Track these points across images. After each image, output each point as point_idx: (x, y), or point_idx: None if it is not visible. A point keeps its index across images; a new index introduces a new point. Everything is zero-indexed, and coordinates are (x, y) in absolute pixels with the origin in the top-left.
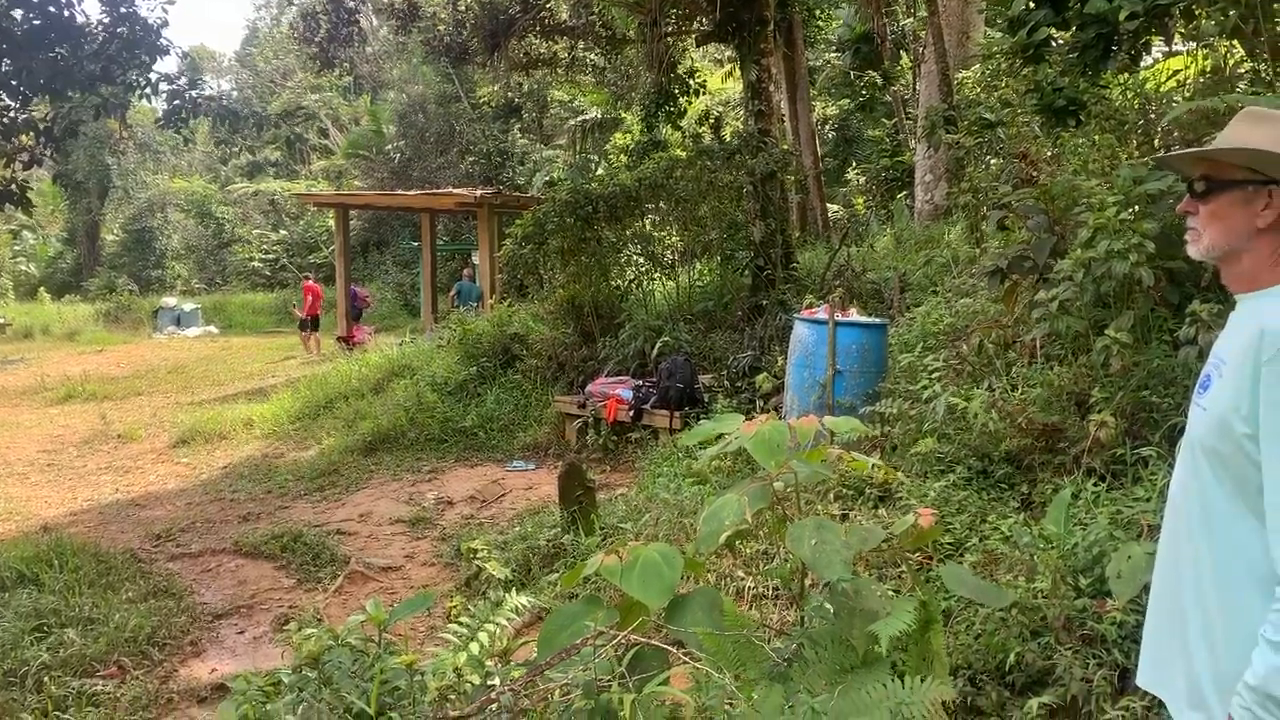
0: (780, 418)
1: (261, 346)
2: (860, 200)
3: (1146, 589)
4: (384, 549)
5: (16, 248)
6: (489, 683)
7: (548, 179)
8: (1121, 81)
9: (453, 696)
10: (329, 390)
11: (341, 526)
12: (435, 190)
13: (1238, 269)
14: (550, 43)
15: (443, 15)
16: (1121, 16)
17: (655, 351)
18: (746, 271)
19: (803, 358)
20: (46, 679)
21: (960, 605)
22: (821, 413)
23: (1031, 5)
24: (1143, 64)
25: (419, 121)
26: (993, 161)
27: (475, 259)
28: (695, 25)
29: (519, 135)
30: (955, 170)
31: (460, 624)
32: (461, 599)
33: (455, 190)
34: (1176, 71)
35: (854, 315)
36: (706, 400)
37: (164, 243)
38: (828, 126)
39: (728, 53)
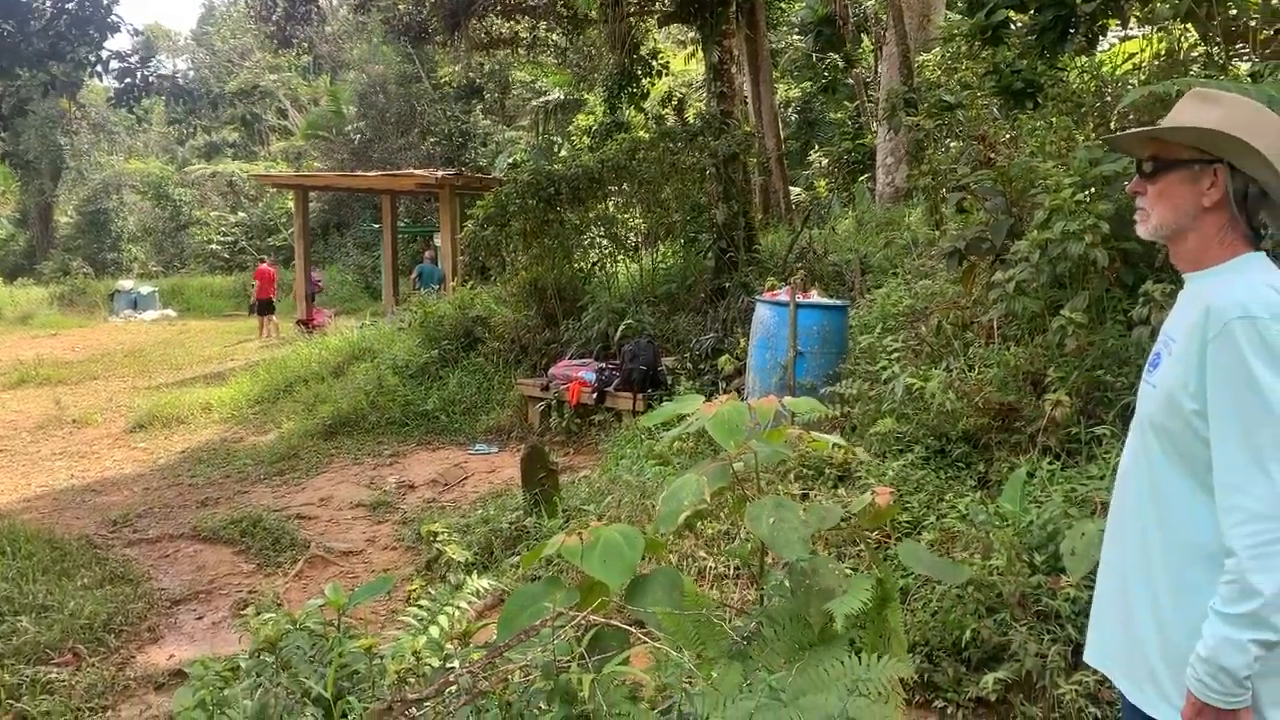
0: (742, 399)
1: (220, 330)
2: (822, 183)
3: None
4: (344, 533)
5: None
6: (448, 665)
7: (510, 161)
8: (1078, 64)
9: (411, 680)
10: (288, 374)
11: (301, 511)
12: (396, 171)
13: (1185, 248)
14: (511, 22)
15: None
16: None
17: (618, 334)
18: (709, 254)
19: (764, 339)
20: None
21: (918, 583)
22: (783, 393)
23: None
24: (1100, 47)
25: (379, 102)
26: (952, 144)
27: (437, 241)
28: (657, 6)
29: (481, 116)
30: (916, 153)
31: (420, 607)
32: (422, 582)
33: (416, 171)
34: (1132, 55)
35: (815, 297)
36: (669, 382)
37: (120, 225)
38: (790, 109)
39: (690, 34)
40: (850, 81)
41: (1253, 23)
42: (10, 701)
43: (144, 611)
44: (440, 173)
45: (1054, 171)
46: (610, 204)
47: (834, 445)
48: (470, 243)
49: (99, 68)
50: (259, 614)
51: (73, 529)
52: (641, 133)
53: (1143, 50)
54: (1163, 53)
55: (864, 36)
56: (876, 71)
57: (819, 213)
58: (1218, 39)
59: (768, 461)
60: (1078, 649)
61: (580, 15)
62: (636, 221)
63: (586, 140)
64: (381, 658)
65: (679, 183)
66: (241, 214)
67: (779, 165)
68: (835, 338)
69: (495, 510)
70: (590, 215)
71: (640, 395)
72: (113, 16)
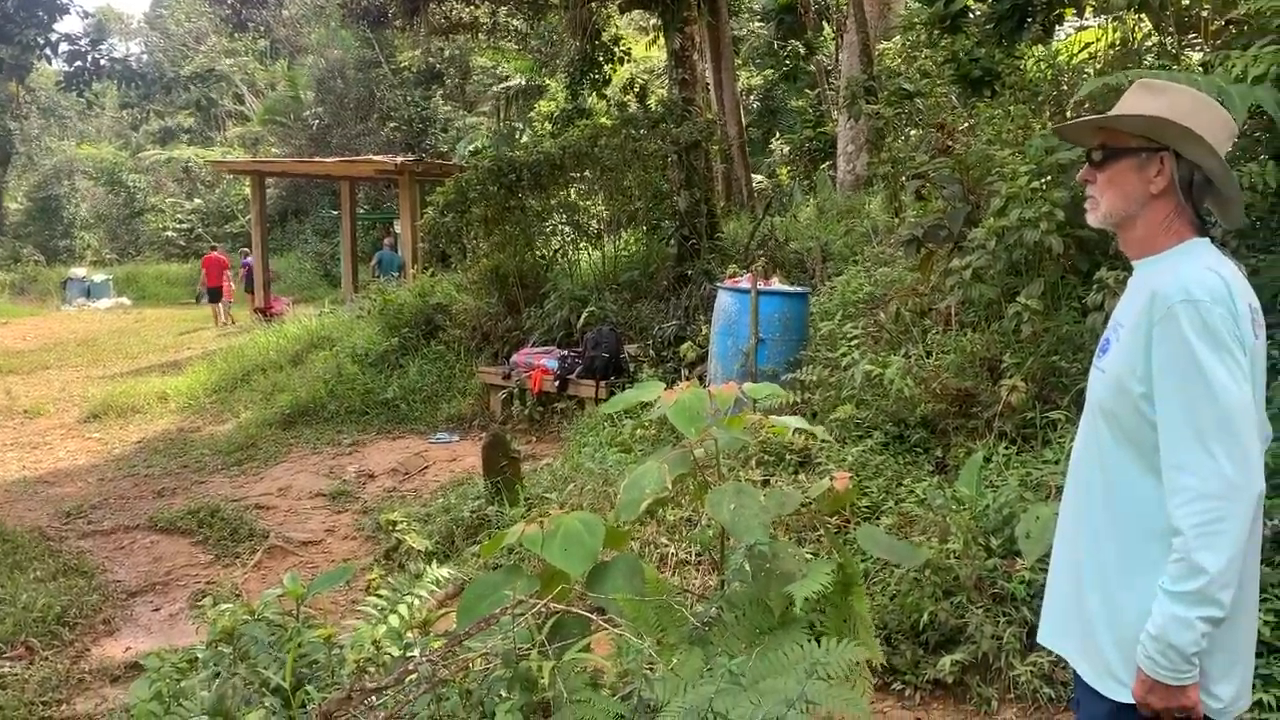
0: (704, 386)
1: (176, 318)
2: (784, 170)
3: None
4: (304, 523)
5: None
6: (408, 654)
7: (472, 147)
8: (1035, 53)
9: (371, 669)
10: (246, 362)
11: (260, 501)
12: (355, 158)
13: (1133, 235)
14: (472, 7)
15: None
16: None
17: (581, 321)
18: (672, 241)
19: (726, 326)
20: None
21: (876, 567)
22: (744, 380)
23: None
24: (1056, 36)
25: (338, 87)
26: (912, 132)
27: (397, 228)
28: None
29: (441, 102)
30: (876, 141)
31: (380, 597)
32: (381, 572)
33: (376, 158)
34: (1088, 44)
35: (776, 284)
36: (632, 369)
37: (72, 211)
38: (752, 96)
39: (652, 20)
40: (812, 69)
41: (1204, 13)
42: None
43: (99, 604)
44: (400, 159)
45: (1010, 159)
46: (572, 191)
47: (795, 430)
48: (430, 229)
49: (48, 50)
50: (216, 605)
51: (25, 521)
52: (603, 119)
53: (1098, 40)
54: (1117, 42)
55: (825, 24)
56: (837, 59)
57: (781, 200)
58: (1170, 29)
59: (728, 448)
60: (1033, 631)
61: (541, 0)
62: (599, 208)
63: (548, 126)
64: (341, 647)
65: (641, 170)
66: (198, 200)
67: (741, 153)
68: (796, 325)
69: (456, 499)
70: (552, 202)
71: (603, 383)
72: None
